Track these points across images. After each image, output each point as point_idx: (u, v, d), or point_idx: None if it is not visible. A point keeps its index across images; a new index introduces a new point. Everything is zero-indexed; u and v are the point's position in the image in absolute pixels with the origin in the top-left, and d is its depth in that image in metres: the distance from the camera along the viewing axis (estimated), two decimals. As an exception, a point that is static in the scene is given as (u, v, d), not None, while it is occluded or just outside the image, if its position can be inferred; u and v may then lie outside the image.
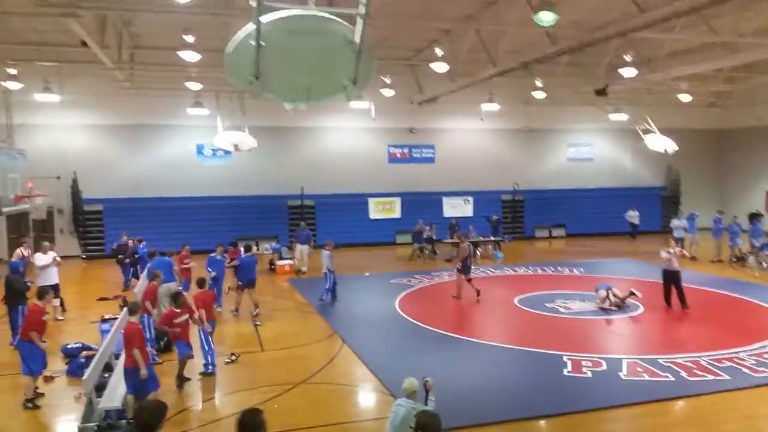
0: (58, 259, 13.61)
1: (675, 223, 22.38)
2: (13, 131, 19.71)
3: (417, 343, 11.65)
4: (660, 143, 20.96)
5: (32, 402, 8.73)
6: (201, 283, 10.91)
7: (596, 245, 26.24)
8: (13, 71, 18.12)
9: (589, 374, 9.64)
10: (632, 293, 14.04)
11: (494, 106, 24.10)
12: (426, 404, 6.77)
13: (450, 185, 28.14)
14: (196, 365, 9.93)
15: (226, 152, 24.07)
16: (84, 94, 22.42)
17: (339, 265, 21.39)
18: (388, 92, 21.64)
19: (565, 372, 9.72)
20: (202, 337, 10.01)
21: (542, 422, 8.10)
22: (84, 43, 14.82)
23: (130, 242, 17.69)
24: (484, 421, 7.95)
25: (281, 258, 20.92)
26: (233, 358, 10.67)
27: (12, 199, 16.77)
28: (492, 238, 23.82)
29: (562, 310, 14.02)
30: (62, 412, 8.56)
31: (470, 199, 28.33)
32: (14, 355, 11.18)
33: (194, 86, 20.51)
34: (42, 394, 9.07)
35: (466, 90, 22.21)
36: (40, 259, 13.20)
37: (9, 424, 8.08)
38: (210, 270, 14.10)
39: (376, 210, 27.50)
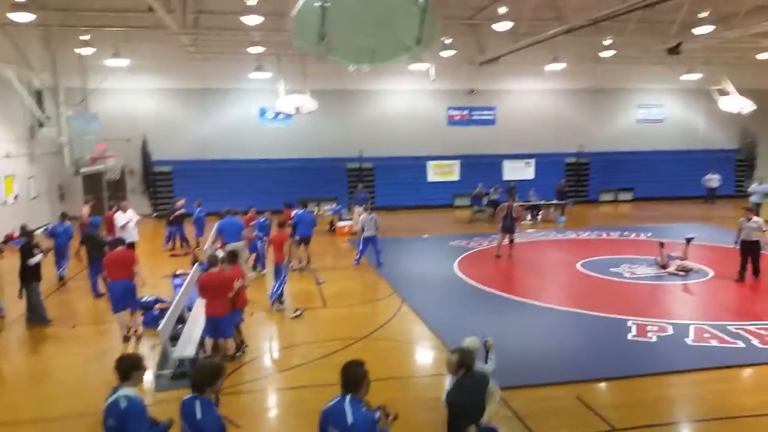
0: (138, 217, 14.33)
1: (754, 187, 21.25)
2: (87, 95, 20.58)
3: (476, 303, 11.70)
4: (735, 104, 19.84)
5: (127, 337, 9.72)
6: (281, 224, 11.96)
7: (665, 209, 25.32)
8: (85, 37, 18.86)
9: (654, 339, 9.45)
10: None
11: (559, 66, 23.31)
12: (486, 363, 6.83)
13: (510, 148, 27.63)
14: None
15: (287, 115, 24.39)
16: (151, 59, 23.10)
17: (398, 227, 21.70)
18: (448, 53, 21.25)
19: (629, 336, 9.57)
20: (283, 270, 11.33)
21: (603, 384, 8.03)
22: (150, 8, 15.18)
23: (179, 203, 18.18)
24: (543, 381, 7.96)
25: (341, 219, 21.25)
26: (298, 312, 11.04)
27: (88, 160, 17.60)
28: (554, 202, 23.35)
29: (627, 275, 13.71)
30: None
31: (531, 161, 27.78)
32: (94, 306, 11.99)
33: (256, 50, 20.75)
34: (135, 331, 9.95)
35: (530, 49, 21.51)
36: (121, 218, 13.87)
37: (90, 369, 8.69)
38: (260, 234, 14.26)
39: (435, 173, 27.39)
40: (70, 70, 21.10)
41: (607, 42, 21.47)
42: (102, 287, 12.05)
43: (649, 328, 9.87)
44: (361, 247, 15.35)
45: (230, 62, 24.01)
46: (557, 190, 23.68)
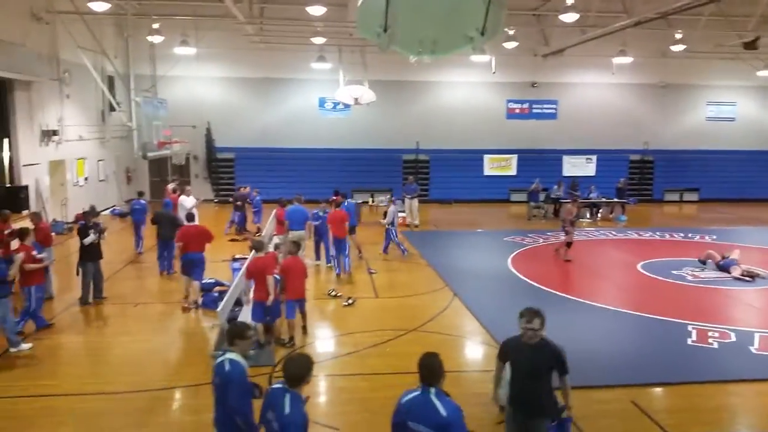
0: (196, 201, 14.90)
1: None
2: (156, 82, 21.35)
3: (530, 301, 11.34)
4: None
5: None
6: (338, 204, 12.99)
7: (734, 212, 24.23)
8: (156, 26, 19.57)
9: (716, 345, 9.11)
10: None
11: (626, 59, 22.59)
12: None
13: (572, 143, 26.99)
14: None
15: (346, 105, 24.65)
16: (217, 47, 23.77)
17: (451, 220, 21.60)
18: (510, 45, 20.93)
19: (689, 341, 9.25)
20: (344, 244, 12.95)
21: (659, 389, 7.81)
22: (219, -2, 15.63)
23: (244, 190, 18.78)
24: (598, 383, 7.80)
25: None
26: (350, 301, 11.20)
27: (155, 144, 18.30)
28: (615, 200, 22.70)
29: (689, 278, 13.22)
30: (198, 339, 9.47)
31: (593, 158, 27.04)
32: (160, 285, 12.51)
33: (318, 40, 21.02)
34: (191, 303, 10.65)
35: (596, 42, 20.96)
36: (186, 201, 14.44)
37: (150, 346, 9.09)
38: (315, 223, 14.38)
39: (491, 166, 27.05)
40: (141, 58, 21.98)
41: (678, 36, 20.63)
42: (175, 266, 12.59)
43: (710, 333, 9.51)
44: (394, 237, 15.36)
45: (292, 52, 24.40)
46: (618, 188, 22.99)
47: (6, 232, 10.23)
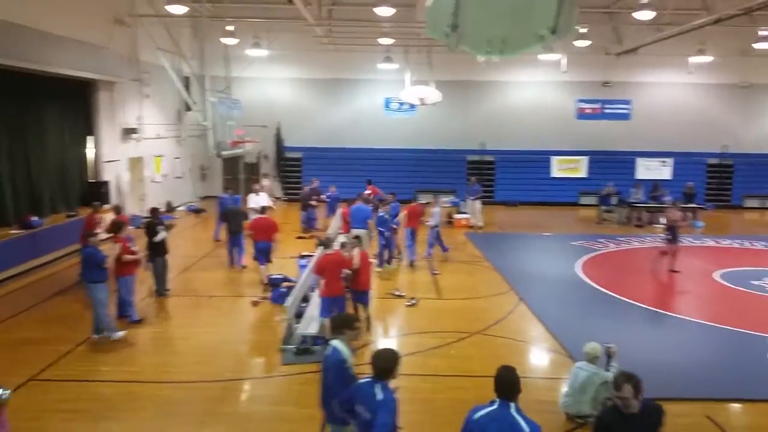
0: (267, 202, 15.36)
1: None
2: (230, 83, 22.09)
3: (599, 308, 11.24)
4: None
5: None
6: (415, 198, 13.12)
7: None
8: (229, 28, 20.25)
9: (801, 362, 8.59)
10: None
11: (705, 59, 21.58)
12: (607, 370, 6.61)
13: (646, 145, 25.98)
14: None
15: (412, 106, 24.68)
16: (288, 49, 24.34)
17: (517, 223, 21.27)
18: (582, 43, 20.38)
19: (770, 356, 8.78)
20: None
21: (736, 405, 7.44)
22: (290, 1, 15.95)
23: (314, 183, 19.34)
24: (670, 396, 7.48)
25: (459, 212, 21.19)
26: (413, 302, 11.24)
27: (229, 143, 18.95)
28: (692, 205, 21.69)
29: (773, 289, 12.53)
30: (267, 332, 9.74)
31: (669, 161, 25.93)
32: (230, 278, 12.95)
33: (386, 41, 21.17)
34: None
35: (672, 40, 20.10)
36: (257, 200, 14.95)
37: (219, 338, 9.44)
38: (381, 229, 14.27)
39: (560, 168, 26.41)
40: (215, 59, 22.74)
41: (762, 32, 19.50)
42: (245, 260, 13.48)
43: (795, 349, 8.98)
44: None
45: (359, 53, 24.65)
46: (684, 193, 21.86)
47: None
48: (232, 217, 13.80)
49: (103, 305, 8.98)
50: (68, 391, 7.42)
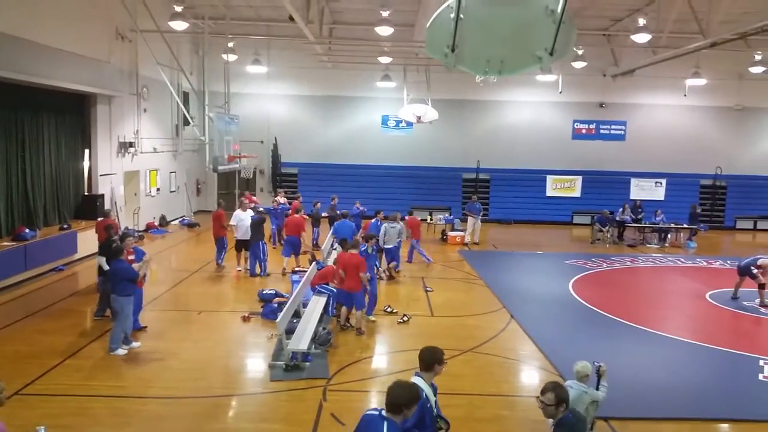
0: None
1: None
2: (229, 99, 22.24)
3: (590, 327, 11.23)
4: None
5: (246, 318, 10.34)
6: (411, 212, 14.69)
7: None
8: (230, 44, 20.43)
9: (790, 384, 8.59)
10: None
11: (700, 81, 21.84)
12: (597, 389, 6.60)
13: (640, 165, 26.11)
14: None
15: (409, 124, 24.87)
16: (287, 66, 24.56)
17: (511, 241, 21.30)
18: (579, 64, 20.62)
19: (760, 377, 8.78)
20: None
21: (726, 425, 7.44)
22: (291, 18, 16.14)
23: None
24: (659, 416, 7.51)
25: (453, 229, 21.24)
26: (405, 318, 11.21)
27: (225, 158, 19.01)
28: (685, 226, 21.80)
29: (762, 310, 12.53)
30: (256, 348, 9.71)
31: (662, 181, 26.07)
32: (228, 294, 12.90)
33: (385, 60, 21.39)
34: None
35: (668, 63, 20.38)
36: (242, 215, 14.78)
37: (213, 354, 9.40)
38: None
39: (554, 187, 26.48)
40: (215, 75, 22.94)
41: (757, 57, 19.78)
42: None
43: (785, 371, 8.99)
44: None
45: (358, 71, 24.88)
46: (690, 213, 22.00)
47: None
48: (253, 226, 14.52)
49: (128, 317, 9.19)
50: (53, 407, 7.35)
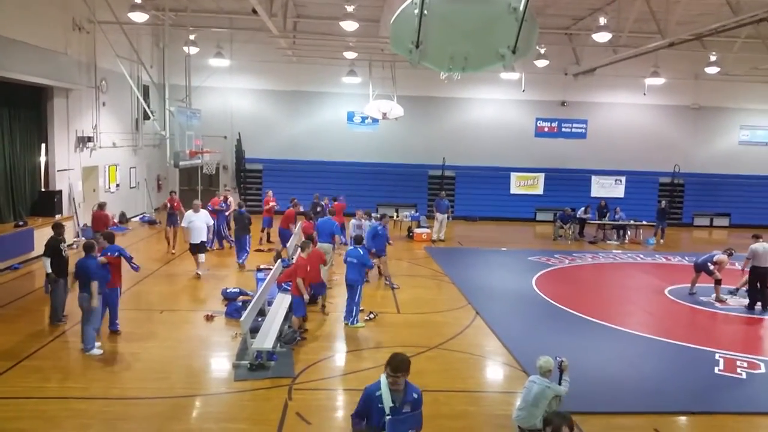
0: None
1: None
2: (190, 92, 21.80)
3: (553, 322, 11.42)
4: None
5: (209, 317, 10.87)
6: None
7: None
8: (192, 37, 20.01)
9: (744, 375, 8.91)
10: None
11: (659, 80, 22.38)
12: (560, 384, 6.70)
13: (600, 163, 26.69)
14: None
15: (374, 120, 24.84)
16: (250, 60, 24.21)
17: (476, 238, 21.50)
18: (541, 63, 20.88)
19: (716, 370, 9.06)
20: None
21: (683, 418, 7.65)
22: (254, 11, 15.90)
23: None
24: (620, 410, 7.68)
25: (419, 226, 21.32)
26: (371, 316, 11.20)
27: (187, 153, 18.64)
28: (644, 223, 22.28)
29: (718, 305, 12.95)
30: (220, 348, 9.56)
31: (622, 179, 26.71)
32: (189, 293, 12.66)
33: (350, 55, 21.28)
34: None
35: (628, 62, 20.83)
36: (192, 217, 13.98)
37: (175, 353, 9.22)
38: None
39: (518, 185, 26.88)
40: (176, 68, 22.47)
41: (713, 57, 20.38)
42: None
43: (738, 363, 9.30)
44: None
45: (323, 66, 24.71)
46: (659, 210, 22.27)
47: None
48: (238, 222, 15.38)
49: (98, 315, 9.08)
50: (8, 410, 7.10)
